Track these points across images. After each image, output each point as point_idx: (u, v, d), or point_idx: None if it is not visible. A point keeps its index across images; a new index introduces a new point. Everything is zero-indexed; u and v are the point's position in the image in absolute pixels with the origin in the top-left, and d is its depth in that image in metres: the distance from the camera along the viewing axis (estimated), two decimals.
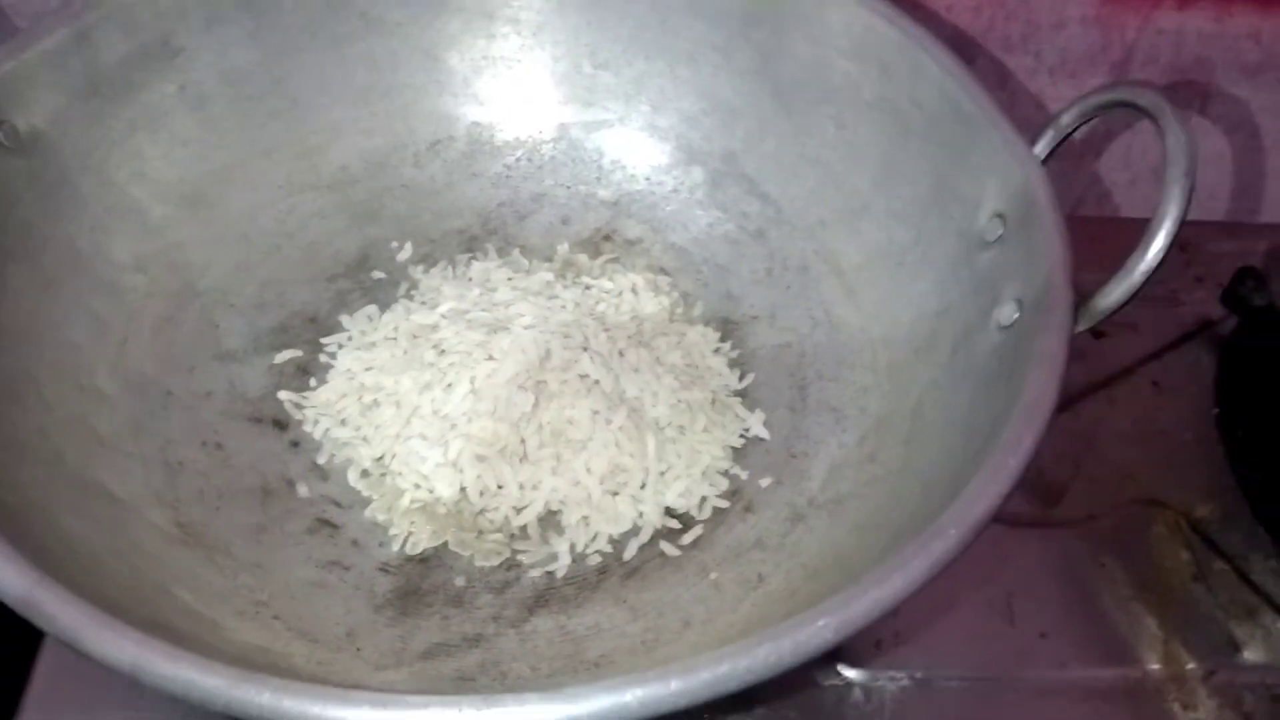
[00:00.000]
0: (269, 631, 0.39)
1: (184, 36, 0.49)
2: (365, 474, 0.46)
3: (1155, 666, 0.46)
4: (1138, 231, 0.39)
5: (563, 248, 0.53)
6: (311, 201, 0.53)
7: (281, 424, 0.47)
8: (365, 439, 0.46)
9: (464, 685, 0.39)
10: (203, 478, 0.45)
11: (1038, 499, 0.51)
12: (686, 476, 0.45)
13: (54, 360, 0.43)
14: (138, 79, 0.48)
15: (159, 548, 0.41)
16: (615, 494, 0.44)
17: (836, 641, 0.28)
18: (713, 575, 0.43)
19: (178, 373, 0.47)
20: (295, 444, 0.47)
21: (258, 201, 0.52)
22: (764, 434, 0.47)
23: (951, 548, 0.30)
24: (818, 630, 0.28)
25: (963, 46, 0.59)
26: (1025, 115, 0.61)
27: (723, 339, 0.51)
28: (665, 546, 0.44)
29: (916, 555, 0.30)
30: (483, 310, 0.48)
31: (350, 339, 0.50)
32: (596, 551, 0.44)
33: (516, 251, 0.53)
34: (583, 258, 0.53)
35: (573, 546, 0.43)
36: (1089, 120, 0.43)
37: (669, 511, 0.45)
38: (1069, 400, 0.54)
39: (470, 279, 0.51)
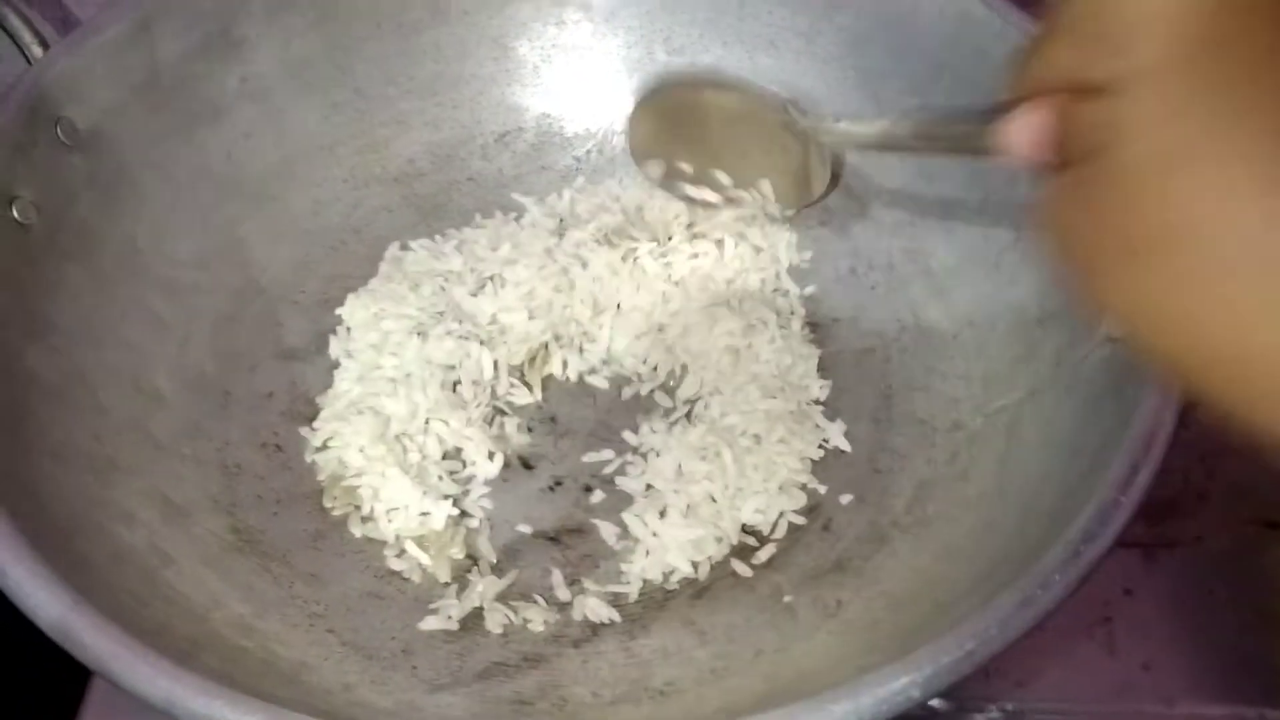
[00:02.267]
0: (322, 646, 0.38)
1: (245, 27, 0.48)
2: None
3: (1272, 709, 0.42)
4: None
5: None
6: (377, 196, 0.52)
7: None
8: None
9: (522, 710, 0.37)
10: (261, 481, 0.44)
11: (1141, 516, 0.48)
12: (764, 491, 0.42)
13: (111, 362, 0.42)
14: (199, 71, 0.47)
15: (214, 556, 0.40)
16: (690, 513, 0.42)
17: (924, 700, 0.26)
18: (787, 598, 0.40)
19: (238, 372, 0.46)
20: None
21: (321, 196, 0.51)
22: (845, 446, 0.44)
23: (1057, 597, 0.27)
24: (901, 689, 0.25)
25: None
26: None
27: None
28: (737, 565, 0.41)
29: (1017, 608, 0.27)
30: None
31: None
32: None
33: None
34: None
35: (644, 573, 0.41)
36: None
37: (744, 528, 0.42)
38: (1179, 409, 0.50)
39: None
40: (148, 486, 0.40)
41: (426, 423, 0.44)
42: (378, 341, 0.46)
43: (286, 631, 0.38)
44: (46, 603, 0.29)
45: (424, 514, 0.42)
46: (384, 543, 0.42)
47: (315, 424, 0.45)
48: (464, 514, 0.43)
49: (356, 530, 0.42)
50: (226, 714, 0.26)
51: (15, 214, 0.40)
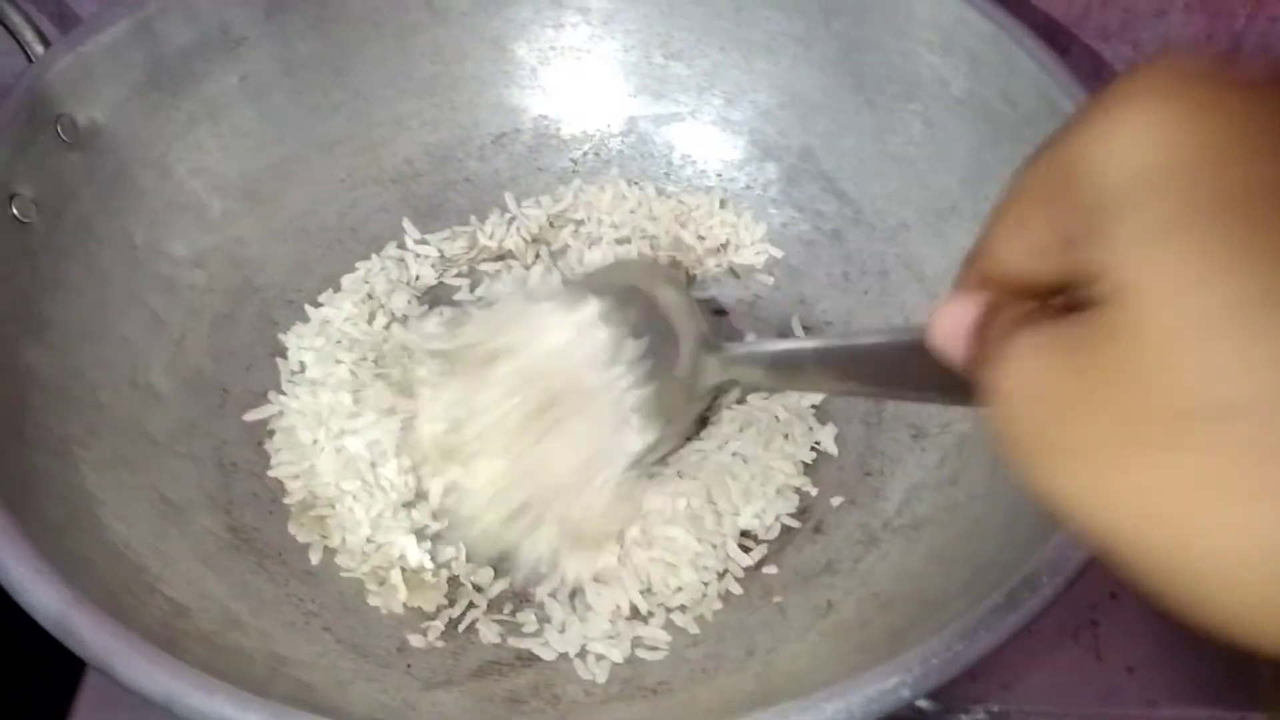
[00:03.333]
0: (318, 644, 0.38)
1: (245, 26, 0.48)
2: None
3: (1254, 712, 0.43)
4: None
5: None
6: (374, 196, 0.52)
7: None
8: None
9: (516, 708, 0.38)
10: (257, 480, 0.44)
11: None
12: (761, 496, 0.42)
13: (108, 359, 0.42)
14: (199, 70, 0.47)
15: (210, 554, 0.40)
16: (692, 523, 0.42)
17: (913, 699, 0.26)
18: (778, 599, 0.40)
19: (235, 371, 0.46)
20: None
21: (319, 196, 0.51)
22: (833, 450, 0.44)
23: (1045, 600, 0.27)
24: (891, 688, 0.26)
25: (1056, 35, 0.55)
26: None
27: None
28: (730, 567, 0.42)
29: (1005, 609, 0.27)
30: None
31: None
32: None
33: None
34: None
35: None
36: None
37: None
38: None
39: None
40: (145, 484, 0.40)
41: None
42: (321, 378, 0.45)
43: (282, 630, 0.38)
44: (46, 599, 0.29)
45: (400, 556, 0.41)
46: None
47: (274, 449, 0.44)
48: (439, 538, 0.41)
49: (315, 557, 0.41)
50: (226, 710, 0.27)
51: (15, 211, 0.40)
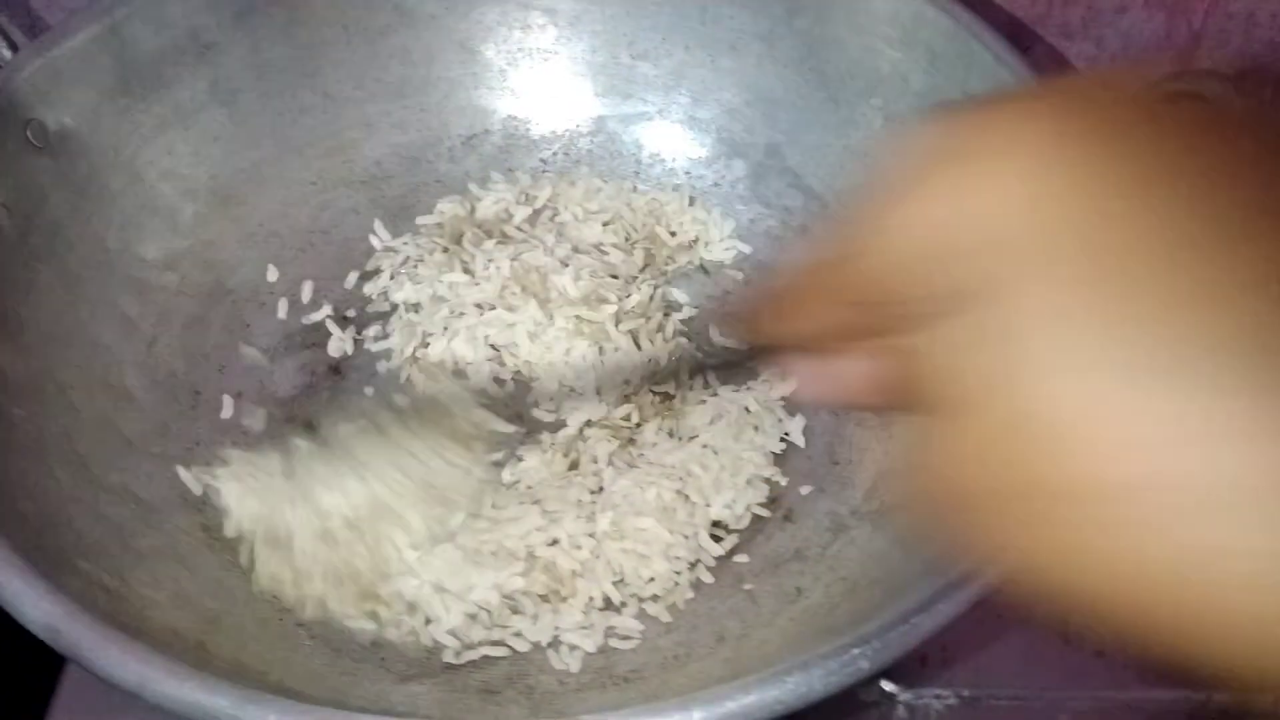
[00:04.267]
0: (291, 640, 0.39)
1: (214, 31, 0.48)
2: None
3: (1221, 692, 0.44)
4: None
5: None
6: (345, 198, 0.52)
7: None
8: None
9: (490, 699, 0.38)
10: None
11: None
12: (731, 486, 0.43)
13: (81, 361, 0.43)
14: (168, 75, 0.48)
15: (184, 553, 0.40)
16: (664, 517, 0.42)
17: (873, 672, 0.26)
18: (748, 586, 0.41)
19: (207, 373, 0.47)
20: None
21: (290, 198, 0.51)
22: (800, 442, 0.45)
23: (1002, 574, 0.28)
24: (851, 659, 0.26)
25: (1019, 33, 0.56)
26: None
27: None
28: (701, 556, 0.42)
29: (964, 580, 0.28)
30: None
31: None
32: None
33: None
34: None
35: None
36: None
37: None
38: None
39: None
40: (118, 484, 0.41)
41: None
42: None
43: (255, 626, 0.39)
44: (23, 595, 0.30)
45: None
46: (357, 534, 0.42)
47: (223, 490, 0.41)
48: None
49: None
50: (198, 698, 0.27)
51: None
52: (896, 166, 0.18)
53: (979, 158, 0.17)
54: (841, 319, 0.21)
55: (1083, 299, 0.16)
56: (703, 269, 0.51)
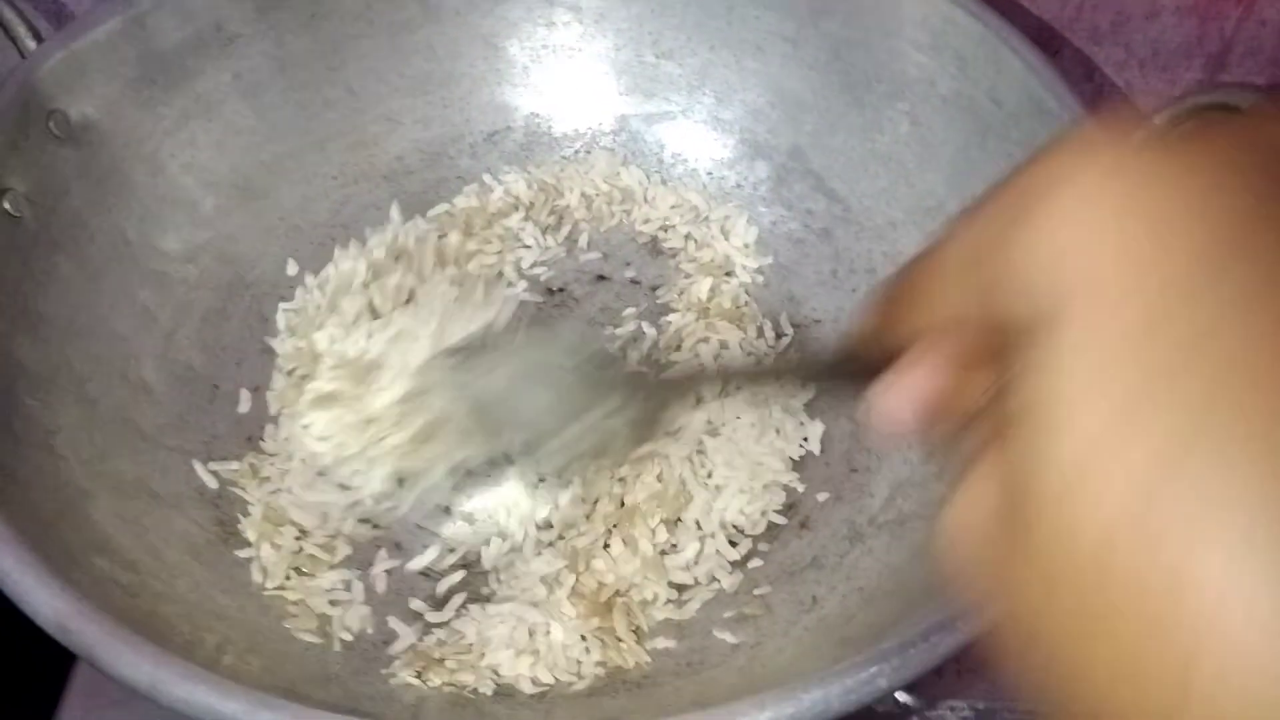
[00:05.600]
0: (302, 638, 0.38)
1: (238, 23, 0.48)
2: None
3: None
4: None
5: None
6: (365, 193, 0.52)
7: None
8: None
9: (502, 702, 0.38)
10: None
11: None
12: (749, 491, 0.43)
13: (99, 353, 0.43)
14: (192, 66, 0.48)
15: (198, 547, 0.40)
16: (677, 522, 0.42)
17: (891, 690, 0.26)
18: (764, 593, 0.41)
19: (226, 366, 0.46)
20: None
21: (311, 192, 0.51)
22: (817, 449, 0.45)
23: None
24: (870, 677, 0.26)
25: (1047, 37, 0.55)
26: (1113, 111, 0.58)
27: (778, 337, 0.49)
28: (717, 561, 0.42)
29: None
30: None
31: None
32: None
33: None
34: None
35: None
36: (1185, 123, 0.40)
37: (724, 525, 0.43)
38: None
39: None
40: (134, 478, 0.41)
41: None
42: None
43: (270, 622, 0.39)
44: (35, 591, 0.29)
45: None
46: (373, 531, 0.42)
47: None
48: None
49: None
50: (211, 701, 0.27)
51: (7, 206, 0.41)
52: (1024, 182, 0.16)
53: (1088, 191, 0.16)
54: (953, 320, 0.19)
55: (1139, 352, 0.14)
56: (723, 270, 0.51)
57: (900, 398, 0.20)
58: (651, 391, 0.32)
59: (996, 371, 0.17)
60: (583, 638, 0.38)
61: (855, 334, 0.22)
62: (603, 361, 0.34)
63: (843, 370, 0.24)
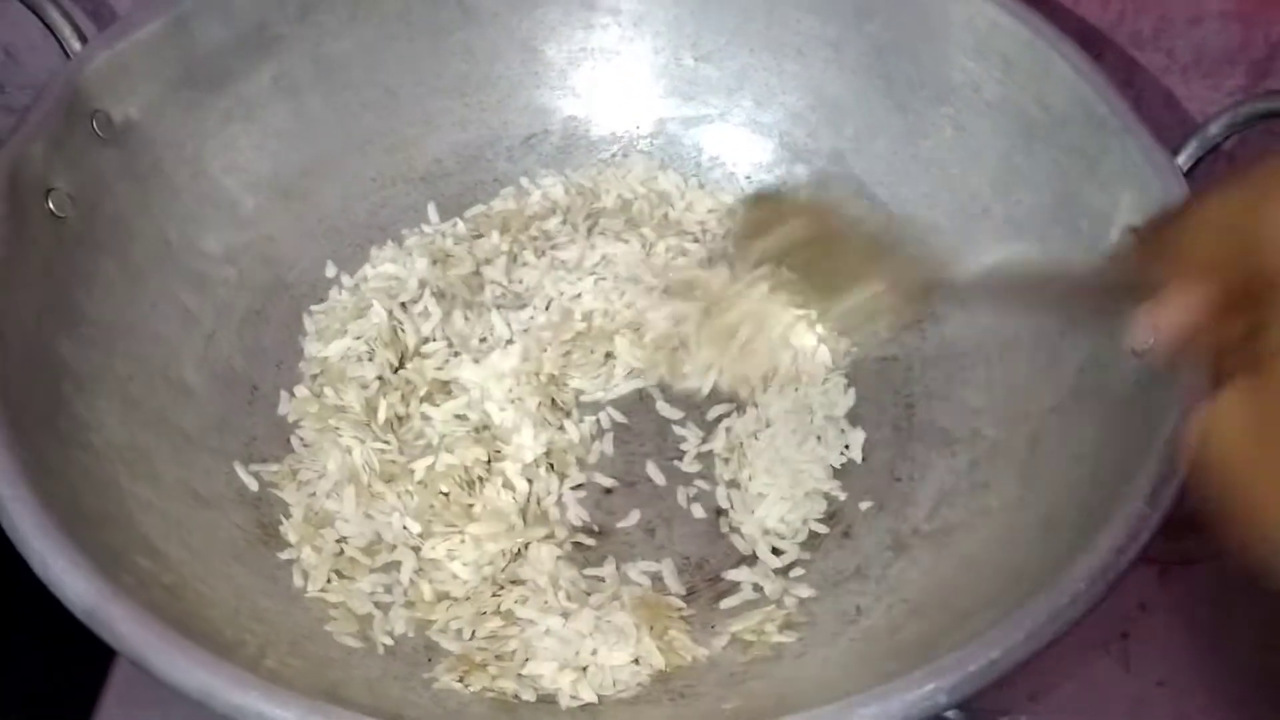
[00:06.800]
0: (343, 642, 0.38)
1: (280, 25, 0.48)
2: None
3: None
4: None
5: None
6: (403, 194, 0.52)
7: None
8: None
9: (546, 708, 0.38)
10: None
11: (1160, 532, 0.48)
12: (789, 498, 0.42)
13: (140, 354, 0.43)
14: (234, 68, 0.48)
15: (240, 550, 0.40)
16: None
17: (948, 707, 0.26)
18: (807, 600, 0.40)
19: (265, 367, 0.46)
20: None
21: (350, 194, 0.51)
22: (858, 457, 0.44)
23: (1083, 610, 0.27)
24: (928, 694, 0.25)
25: (1089, 41, 0.55)
26: (1154, 117, 0.57)
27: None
28: (759, 570, 0.41)
29: (1045, 618, 0.27)
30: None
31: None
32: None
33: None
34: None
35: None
36: (1239, 131, 0.39)
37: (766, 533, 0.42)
38: None
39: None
40: (176, 479, 0.41)
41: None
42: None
43: (311, 625, 0.39)
44: (81, 591, 0.29)
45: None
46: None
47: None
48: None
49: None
50: (261, 707, 0.27)
51: (51, 206, 0.41)
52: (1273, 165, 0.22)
53: None
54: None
55: None
56: None
57: (1163, 320, 0.25)
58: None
59: (1246, 314, 0.22)
60: (635, 661, 0.38)
61: (1115, 267, 0.27)
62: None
63: (1099, 291, 0.28)
